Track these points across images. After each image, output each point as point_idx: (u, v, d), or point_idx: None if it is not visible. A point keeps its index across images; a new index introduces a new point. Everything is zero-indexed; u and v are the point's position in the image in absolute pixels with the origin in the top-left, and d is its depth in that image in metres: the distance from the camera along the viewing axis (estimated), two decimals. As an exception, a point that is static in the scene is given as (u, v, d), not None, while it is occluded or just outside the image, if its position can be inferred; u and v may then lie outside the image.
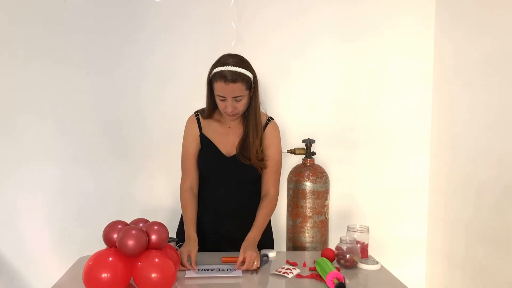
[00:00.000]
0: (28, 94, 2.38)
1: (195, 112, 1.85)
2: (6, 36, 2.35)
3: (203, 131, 1.82)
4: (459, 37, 2.25)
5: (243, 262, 1.59)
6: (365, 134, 2.51)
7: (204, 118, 1.82)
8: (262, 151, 1.79)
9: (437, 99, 2.47)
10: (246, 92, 1.69)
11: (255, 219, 1.75)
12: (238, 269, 1.59)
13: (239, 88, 1.65)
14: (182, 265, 1.59)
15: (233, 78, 1.63)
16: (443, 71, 2.41)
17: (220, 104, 1.71)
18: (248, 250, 1.61)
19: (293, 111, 2.48)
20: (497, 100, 1.92)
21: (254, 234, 1.71)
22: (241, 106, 1.70)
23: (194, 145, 1.82)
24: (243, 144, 1.77)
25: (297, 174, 2.04)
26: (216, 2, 2.40)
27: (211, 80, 1.69)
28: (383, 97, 2.50)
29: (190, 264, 1.60)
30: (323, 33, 2.46)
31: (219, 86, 1.66)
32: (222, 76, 1.64)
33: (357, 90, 2.49)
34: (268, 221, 1.81)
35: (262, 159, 1.78)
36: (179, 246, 1.70)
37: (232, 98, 1.66)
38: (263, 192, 1.83)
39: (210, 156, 1.81)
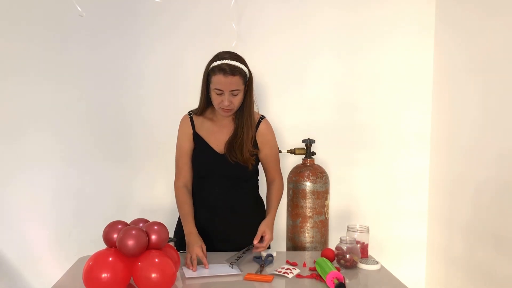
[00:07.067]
0: (28, 95, 2.37)
1: (188, 112, 1.88)
2: (6, 36, 2.35)
3: (196, 130, 1.84)
4: (459, 38, 2.25)
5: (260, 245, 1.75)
6: (365, 134, 2.51)
7: (197, 114, 1.85)
8: (252, 146, 1.82)
9: (437, 99, 2.47)
10: (242, 87, 1.72)
11: (270, 203, 1.88)
12: (255, 246, 1.73)
13: (236, 82, 1.68)
14: (191, 264, 1.62)
15: (232, 71, 1.67)
16: (443, 72, 2.41)
17: (217, 99, 1.72)
18: (268, 232, 1.76)
19: (293, 111, 2.48)
20: (496, 100, 1.92)
21: (272, 217, 1.84)
22: (237, 101, 1.73)
23: (188, 144, 1.85)
24: (232, 141, 1.79)
25: (297, 174, 2.04)
26: (217, 3, 2.40)
27: (209, 74, 1.72)
28: (383, 97, 2.50)
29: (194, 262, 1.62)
30: (323, 33, 2.46)
31: (217, 79, 1.68)
32: (221, 69, 1.67)
33: (357, 90, 2.50)
34: (279, 204, 1.91)
35: (254, 154, 1.83)
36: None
37: (229, 92, 1.69)
38: (269, 180, 1.93)
39: (203, 154, 1.83)
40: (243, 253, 1.74)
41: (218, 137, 1.83)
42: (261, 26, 2.44)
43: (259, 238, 1.74)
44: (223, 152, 1.80)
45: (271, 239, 1.78)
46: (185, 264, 1.63)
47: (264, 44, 2.43)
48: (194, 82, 2.29)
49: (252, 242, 1.75)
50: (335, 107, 2.50)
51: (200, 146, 1.84)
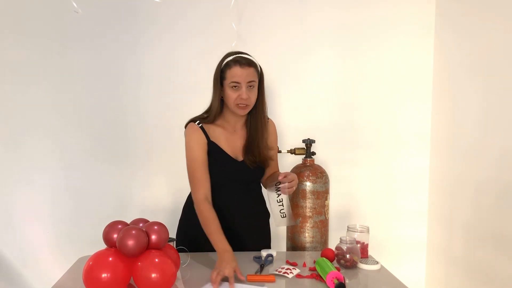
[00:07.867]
0: (28, 95, 2.38)
1: (194, 121, 1.78)
2: (4, 37, 2.34)
3: (211, 138, 1.76)
4: (458, 37, 2.25)
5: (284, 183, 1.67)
6: (365, 134, 2.51)
7: (207, 122, 1.77)
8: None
9: (437, 99, 2.47)
10: (257, 80, 1.72)
11: (276, 174, 1.80)
12: (282, 181, 1.65)
13: (253, 73, 1.69)
14: (215, 281, 1.46)
15: (248, 62, 1.68)
16: (443, 72, 2.41)
17: (233, 95, 1.68)
18: (289, 172, 1.70)
19: (293, 111, 2.48)
20: (496, 101, 1.92)
21: None
22: (253, 95, 1.71)
23: (203, 153, 1.74)
24: (248, 145, 1.78)
25: (297, 174, 2.03)
26: (217, 3, 2.40)
27: (222, 71, 1.70)
28: (383, 97, 2.50)
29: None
30: (323, 33, 2.46)
31: (233, 73, 1.67)
32: (236, 61, 1.67)
33: (357, 90, 2.50)
34: None
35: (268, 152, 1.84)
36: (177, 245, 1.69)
37: (246, 84, 1.67)
38: (270, 174, 1.90)
39: (222, 163, 1.76)
40: (280, 200, 1.68)
41: (233, 144, 1.79)
42: (261, 26, 2.44)
43: (283, 176, 1.66)
44: (242, 159, 1.78)
45: (296, 178, 1.70)
46: (210, 279, 1.48)
47: (264, 44, 2.43)
48: (193, 83, 2.31)
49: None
50: (335, 107, 2.50)
51: (216, 155, 1.76)
